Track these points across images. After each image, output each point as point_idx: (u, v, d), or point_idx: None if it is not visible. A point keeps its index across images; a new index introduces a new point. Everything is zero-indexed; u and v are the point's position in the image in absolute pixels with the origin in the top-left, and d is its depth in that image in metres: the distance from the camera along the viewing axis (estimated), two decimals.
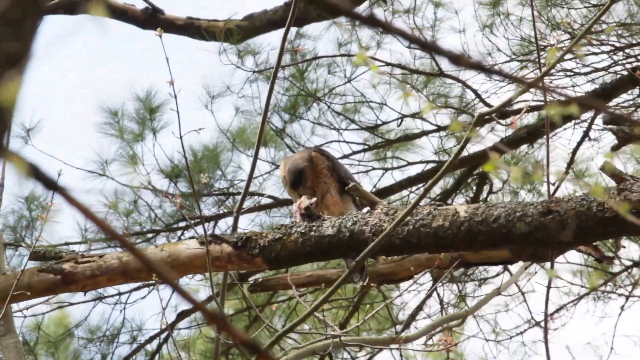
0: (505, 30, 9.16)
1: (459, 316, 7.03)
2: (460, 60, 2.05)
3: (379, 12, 9.15)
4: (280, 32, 5.04)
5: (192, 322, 9.10)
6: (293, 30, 9.18)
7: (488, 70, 2.22)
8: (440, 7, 9.29)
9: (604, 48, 8.92)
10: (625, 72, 8.73)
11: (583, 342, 9.26)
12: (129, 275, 5.05)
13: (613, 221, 4.59)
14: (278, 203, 9.15)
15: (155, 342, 9.10)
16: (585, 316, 9.20)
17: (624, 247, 5.65)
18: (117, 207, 8.97)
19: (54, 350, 9.00)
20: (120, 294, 9.01)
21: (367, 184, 9.20)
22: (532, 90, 6.89)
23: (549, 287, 5.43)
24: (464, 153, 8.93)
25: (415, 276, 5.98)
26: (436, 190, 9.30)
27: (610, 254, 5.85)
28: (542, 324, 8.54)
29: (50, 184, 1.75)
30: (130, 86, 9.22)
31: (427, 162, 9.34)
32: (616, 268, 9.08)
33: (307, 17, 8.80)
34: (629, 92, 8.87)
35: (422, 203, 4.76)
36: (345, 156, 9.18)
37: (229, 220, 8.80)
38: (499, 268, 8.95)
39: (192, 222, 7.47)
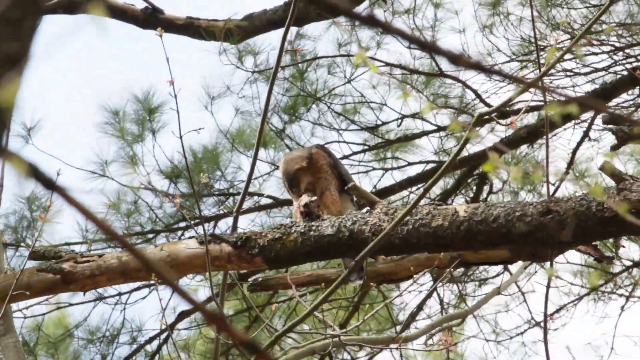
0: (505, 31, 9.16)
1: (458, 316, 7.04)
2: (459, 60, 2.05)
3: (379, 13, 9.15)
4: (280, 31, 5.04)
5: (192, 322, 9.10)
6: (293, 30, 9.18)
7: (487, 70, 2.22)
8: (440, 7, 9.29)
9: (604, 48, 8.92)
10: (625, 72, 8.73)
11: (583, 342, 9.26)
12: (129, 275, 5.05)
13: (612, 221, 4.59)
14: (278, 203, 9.15)
15: (155, 343, 9.11)
16: (586, 316, 9.20)
17: (623, 246, 5.65)
18: (118, 207, 8.97)
19: (53, 351, 9.00)
20: (120, 294, 9.01)
21: (367, 184, 9.20)
22: (531, 90, 6.89)
23: (548, 287, 5.43)
24: (464, 153, 8.93)
25: (414, 276, 5.98)
26: (436, 190, 9.31)
27: (610, 254, 5.84)
28: (542, 324, 8.54)
29: (49, 184, 1.75)
30: (130, 86, 9.22)
31: (427, 162, 9.34)
32: (616, 268, 9.08)
33: (307, 17, 8.80)
34: (629, 92, 8.87)
35: (421, 203, 4.77)
36: (345, 157, 9.18)
37: (229, 220, 8.80)
38: (499, 268, 8.96)
39: (192, 222, 7.47)
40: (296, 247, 4.92)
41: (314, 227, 4.95)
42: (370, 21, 2.02)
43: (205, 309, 1.90)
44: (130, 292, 9.01)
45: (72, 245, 8.67)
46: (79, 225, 8.84)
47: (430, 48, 2.19)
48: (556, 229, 4.60)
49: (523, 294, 9.14)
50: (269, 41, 9.14)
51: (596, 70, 8.98)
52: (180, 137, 4.73)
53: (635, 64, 8.75)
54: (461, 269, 8.71)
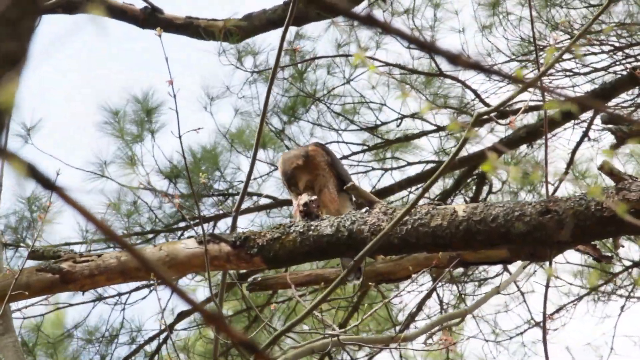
0: (504, 31, 9.17)
1: (458, 315, 7.04)
2: (458, 60, 2.05)
3: (378, 13, 9.15)
4: (280, 31, 5.04)
5: (192, 322, 9.10)
6: (292, 30, 9.19)
7: (486, 70, 2.23)
8: (440, 7, 9.29)
9: (604, 48, 8.93)
10: (624, 72, 8.73)
11: (583, 343, 9.26)
12: (128, 275, 5.05)
13: (611, 221, 4.59)
14: (277, 203, 9.15)
15: (154, 343, 9.11)
16: (585, 316, 9.20)
17: (622, 246, 5.65)
18: (117, 207, 8.97)
19: (52, 351, 8.99)
20: (119, 294, 9.01)
21: (367, 184, 9.20)
22: (531, 90, 6.89)
23: (547, 287, 5.43)
24: (464, 153, 8.93)
25: (413, 275, 5.97)
26: (435, 190, 9.31)
27: (609, 254, 5.84)
28: (542, 324, 8.54)
29: (48, 184, 1.75)
30: (130, 86, 9.22)
31: (427, 162, 9.34)
32: (616, 268, 9.08)
33: (307, 17, 8.80)
34: (629, 92, 8.88)
35: (420, 203, 4.77)
36: (345, 157, 9.18)
37: (229, 220, 8.80)
38: (499, 268, 8.95)
39: (192, 222, 7.47)
40: (295, 247, 4.92)
41: (312, 227, 4.95)
42: (368, 21, 2.02)
43: (204, 309, 1.90)
44: (130, 292, 9.01)
45: (72, 246, 8.67)
46: (79, 226, 8.85)
47: (429, 48, 2.19)
48: (555, 228, 4.60)
49: (522, 294, 9.14)
50: (268, 41, 9.15)
51: (596, 70, 8.99)
52: (179, 137, 4.73)
53: (634, 64, 8.75)
54: (460, 269, 8.71)
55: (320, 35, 9.25)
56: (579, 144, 9.07)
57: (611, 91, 8.65)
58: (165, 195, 8.58)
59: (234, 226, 5.30)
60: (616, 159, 8.91)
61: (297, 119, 9.28)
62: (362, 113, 9.34)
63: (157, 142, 9.07)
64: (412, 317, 8.92)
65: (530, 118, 9.10)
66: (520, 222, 4.66)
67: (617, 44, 8.91)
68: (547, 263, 5.83)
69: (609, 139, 8.92)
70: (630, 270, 9.09)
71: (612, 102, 8.86)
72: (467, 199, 9.37)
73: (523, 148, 9.27)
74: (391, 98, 9.29)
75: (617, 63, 8.94)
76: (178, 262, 5.04)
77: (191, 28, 8.93)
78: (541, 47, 8.45)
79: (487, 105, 8.99)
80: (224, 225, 9.03)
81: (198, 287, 9.07)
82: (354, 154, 9.30)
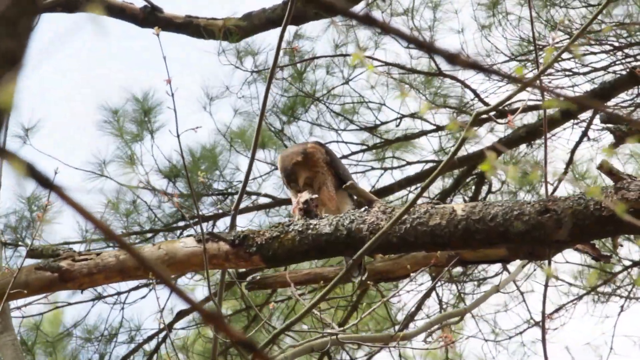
0: (503, 31, 9.17)
1: (457, 314, 7.04)
2: (456, 59, 2.05)
3: (377, 13, 9.15)
4: (279, 30, 5.04)
5: (190, 322, 9.11)
6: (291, 30, 9.19)
7: (485, 69, 2.23)
8: (439, 7, 9.29)
9: (603, 48, 8.93)
10: (624, 72, 8.74)
11: (582, 342, 9.26)
12: (126, 273, 5.05)
13: (610, 220, 4.60)
14: (277, 202, 9.16)
15: (153, 342, 9.11)
16: (585, 316, 9.20)
17: (621, 245, 5.66)
18: (116, 206, 8.98)
19: (51, 350, 9.00)
20: (118, 293, 9.01)
21: (366, 184, 9.21)
22: (530, 89, 6.89)
23: (546, 286, 5.44)
24: (463, 153, 8.94)
25: (412, 274, 5.98)
26: (435, 190, 9.31)
27: (608, 253, 5.85)
28: (541, 323, 8.54)
29: (46, 183, 1.75)
30: (129, 85, 9.23)
31: (426, 161, 9.34)
32: (616, 268, 9.08)
33: (306, 16, 8.80)
34: (628, 91, 8.88)
35: (419, 202, 4.77)
36: (344, 156, 9.18)
37: (228, 220, 8.80)
38: (498, 268, 8.95)
39: (191, 221, 7.47)
40: (294, 246, 4.92)
41: (311, 226, 4.95)
42: (367, 20, 2.02)
43: (203, 308, 1.91)
44: (129, 291, 9.01)
45: (71, 245, 8.67)
46: (79, 225, 8.85)
47: (428, 47, 2.19)
48: (554, 228, 4.61)
49: (522, 293, 9.14)
50: (268, 41, 9.16)
51: (595, 69, 8.99)
52: (178, 136, 4.73)
53: (634, 64, 8.76)
54: (459, 268, 8.72)
55: (319, 36, 9.26)
56: (578, 143, 9.07)
57: (610, 91, 8.65)
58: (165, 194, 8.58)
59: (232, 225, 5.31)
60: (616, 159, 8.92)
61: (296, 118, 9.28)
62: (362, 113, 9.35)
63: (156, 141, 9.08)
64: (411, 317, 8.92)
65: (530, 118, 9.10)
66: (519, 221, 4.66)
67: (616, 44, 8.92)
68: (546, 262, 5.84)
69: (608, 138, 8.94)
70: (629, 270, 9.09)
71: (612, 102, 8.86)
72: (467, 198, 9.37)
73: (523, 147, 9.27)
74: (390, 98, 9.30)
75: (617, 63, 8.95)
76: (177, 261, 5.04)
77: (191, 27, 8.93)
78: (540, 47, 8.46)
79: (486, 104, 8.99)
80: (223, 224, 9.04)
81: (197, 286, 9.08)
82: (353, 153, 9.30)
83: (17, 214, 8.93)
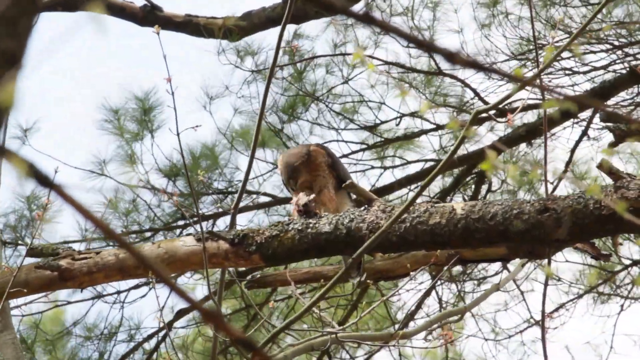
0: (503, 30, 9.17)
1: (457, 312, 7.03)
2: (455, 58, 2.05)
3: (377, 11, 9.15)
4: (279, 29, 5.05)
5: (190, 320, 9.11)
6: (291, 30, 9.20)
7: (484, 68, 2.23)
8: (439, 6, 9.29)
9: (603, 47, 8.93)
10: (624, 71, 8.74)
11: (582, 342, 9.26)
12: (126, 272, 5.06)
13: (610, 219, 4.60)
14: (276, 201, 9.16)
15: (153, 341, 9.11)
16: (585, 315, 9.20)
17: (621, 244, 5.66)
18: (116, 205, 8.98)
19: (51, 348, 9.00)
20: (118, 292, 9.01)
21: (366, 183, 9.21)
22: (530, 88, 6.90)
23: (546, 285, 5.44)
24: (463, 151, 8.94)
25: (412, 273, 5.98)
26: (435, 189, 9.31)
27: (608, 252, 5.85)
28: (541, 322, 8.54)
29: (46, 182, 1.75)
30: (129, 84, 9.23)
31: (426, 160, 9.35)
32: (616, 267, 9.07)
33: (306, 15, 8.80)
34: (628, 90, 8.88)
35: (419, 201, 4.77)
36: (344, 155, 9.19)
37: (228, 219, 8.81)
38: (498, 267, 8.95)
39: (191, 220, 7.47)
40: (293, 245, 4.92)
41: (311, 225, 4.95)
42: (366, 19, 2.02)
43: (202, 307, 1.91)
44: (128, 290, 9.01)
45: (70, 244, 8.68)
46: (78, 225, 8.85)
47: (427, 46, 2.19)
48: (553, 226, 4.61)
49: (522, 292, 9.14)
50: (268, 40, 9.16)
51: (595, 68, 8.99)
52: (178, 135, 4.73)
53: (633, 62, 8.76)
54: (459, 267, 8.72)
55: (319, 35, 9.26)
56: (578, 142, 9.07)
57: (610, 90, 8.66)
58: (165, 193, 8.58)
59: (232, 224, 5.31)
60: (617, 158, 8.92)
61: (296, 118, 9.29)
62: (362, 112, 9.35)
63: (156, 140, 9.09)
64: (411, 315, 8.92)
65: (530, 117, 9.10)
66: (518, 220, 4.66)
67: (616, 43, 8.92)
68: (546, 261, 5.84)
69: (608, 137, 8.94)
70: (629, 269, 9.09)
71: (612, 101, 8.86)
72: (466, 197, 9.37)
73: (523, 147, 9.27)
74: (390, 97, 9.30)
75: (617, 62, 8.95)
76: (176, 260, 5.04)
77: (190, 26, 8.93)
78: (540, 46, 8.46)
79: (486, 103, 8.99)
80: (223, 223, 9.04)
81: (197, 285, 9.08)
82: (353, 152, 9.31)
83: (16, 213, 8.93)
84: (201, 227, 5.00)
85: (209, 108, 9.26)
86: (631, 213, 4.51)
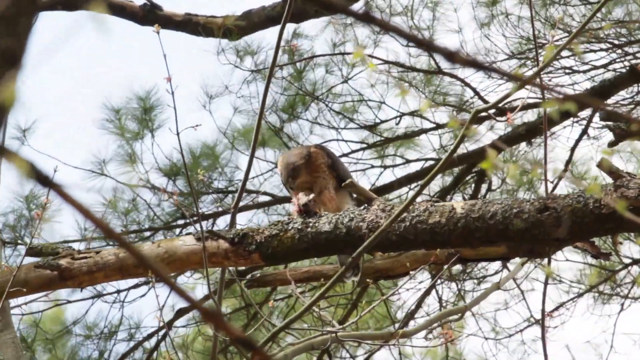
0: (503, 29, 9.16)
1: (457, 311, 7.03)
2: (455, 57, 2.05)
3: (376, 11, 9.15)
4: (279, 28, 5.05)
5: (190, 320, 9.11)
6: (291, 29, 9.20)
7: (483, 67, 2.23)
8: (438, 6, 9.28)
9: (603, 45, 8.93)
10: (623, 70, 8.74)
11: (583, 341, 9.26)
12: (126, 272, 5.06)
13: (610, 218, 4.60)
14: (276, 200, 9.16)
15: (153, 340, 9.11)
16: (585, 314, 9.19)
17: (621, 243, 5.66)
18: (115, 205, 8.98)
19: (51, 347, 9.01)
20: (118, 291, 9.02)
21: (366, 182, 9.21)
22: (530, 87, 6.90)
23: (545, 284, 5.44)
24: (463, 150, 8.94)
25: (411, 272, 5.98)
26: (435, 188, 9.31)
27: (608, 251, 5.85)
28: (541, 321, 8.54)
29: (45, 181, 1.75)
30: (129, 83, 9.23)
31: (426, 159, 9.35)
32: (616, 266, 9.07)
33: (305, 14, 8.80)
34: (628, 89, 8.88)
35: (419, 200, 4.77)
36: (344, 155, 9.19)
37: (228, 218, 8.81)
38: (498, 266, 8.95)
39: (191, 219, 7.47)
40: (293, 244, 4.93)
41: (311, 224, 4.95)
42: (366, 18, 2.02)
43: (202, 306, 1.91)
44: (128, 289, 9.01)
45: (70, 243, 8.68)
46: (78, 224, 8.86)
47: (427, 45, 2.19)
48: (553, 225, 4.61)
49: (522, 291, 9.14)
50: (267, 40, 9.16)
51: (595, 67, 8.99)
52: (178, 134, 4.73)
53: (633, 61, 8.76)
54: (459, 266, 8.72)
55: (318, 34, 9.26)
56: (578, 141, 9.07)
57: (610, 89, 8.66)
58: (165, 192, 8.58)
59: (232, 223, 5.31)
60: (617, 157, 8.92)
61: (296, 117, 9.29)
62: (362, 111, 9.35)
63: (156, 139, 9.09)
64: (411, 314, 8.92)
65: (530, 116, 9.11)
66: (518, 220, 4.66)
67: (616, 42, 8.92)
68: (546, 260, 5.84)
69: (608, 136, 8.94)
70: (629, 268, 9.08)
71: (612, 100, 8.86)
72: (466, 196, 9.37)
73: (523, 146, 9.27)
74: (390, 96, 9.30)
75: (616, 60, 8.95)
76: (176, 259, 5.04)
77: (190, 25, 8.93)
78: (540, 45, 8.46)
79: (486, 102, 8.99)
80: (223, 222, 9.04)
81: (196, 284, 9.09)
82: (353, 151, 9.31)
83: (15, 213, 8.93)
84: (201, 227, 5.00)
85: (208, 107, 9.26)
86: (631, 212, 4.51)
